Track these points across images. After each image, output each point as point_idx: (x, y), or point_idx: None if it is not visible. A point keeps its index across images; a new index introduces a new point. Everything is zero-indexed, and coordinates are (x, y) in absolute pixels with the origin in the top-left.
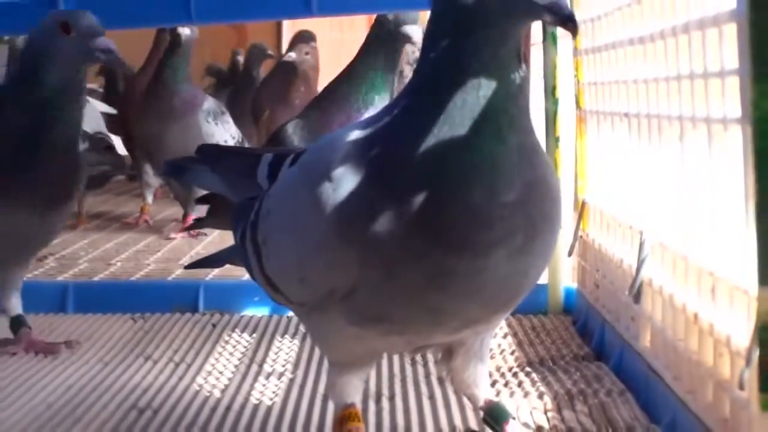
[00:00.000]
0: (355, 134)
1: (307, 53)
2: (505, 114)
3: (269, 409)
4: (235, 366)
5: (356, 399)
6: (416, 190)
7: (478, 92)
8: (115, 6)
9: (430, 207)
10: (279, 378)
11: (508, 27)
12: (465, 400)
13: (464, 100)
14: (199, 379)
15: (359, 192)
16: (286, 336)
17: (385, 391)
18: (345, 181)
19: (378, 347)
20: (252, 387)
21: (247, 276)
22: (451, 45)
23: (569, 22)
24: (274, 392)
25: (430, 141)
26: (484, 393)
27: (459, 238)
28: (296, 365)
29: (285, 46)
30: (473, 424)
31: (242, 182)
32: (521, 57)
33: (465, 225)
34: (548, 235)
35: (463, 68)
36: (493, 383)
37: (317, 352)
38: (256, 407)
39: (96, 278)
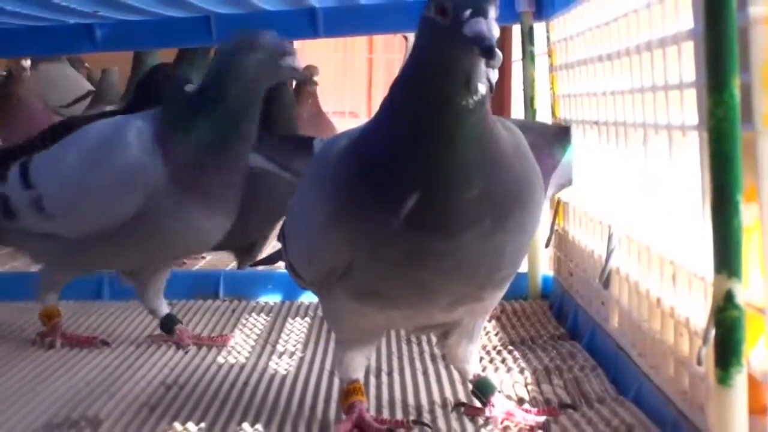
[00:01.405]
0: (351, 136)
1: (315, 83)
2: (459, 131)
3: (282, 384)
4: (252, 346)
5: (360, 375)
6: (392, 187)
7: (432, 113)
8: (143, 29)
9: (403, 201)
10: (290, 356)
11: (450, 59)
12: (454, 375)
13: (423, 116)
14: (220, 359)
15: (349, 185)
16: (297, 319)
17: (384, 367)
18: (338, 176)
19: (379, 322)
20: (266, 365)
21: (261, 267)
22: (414, 69)
23: (489, 54)
24: (286, 369)
25: (398, 149)
26: (473, 368)
27: (430, 226)
28: (306, 345)
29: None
30: (462, 396)
31: (295, 158)
32: (472, 85)
33: (433, 216)
34: (520, 213)
35: (418, 90)
36: (480, 360)
37: (324, 333)
38: (270, 383)
39: None
